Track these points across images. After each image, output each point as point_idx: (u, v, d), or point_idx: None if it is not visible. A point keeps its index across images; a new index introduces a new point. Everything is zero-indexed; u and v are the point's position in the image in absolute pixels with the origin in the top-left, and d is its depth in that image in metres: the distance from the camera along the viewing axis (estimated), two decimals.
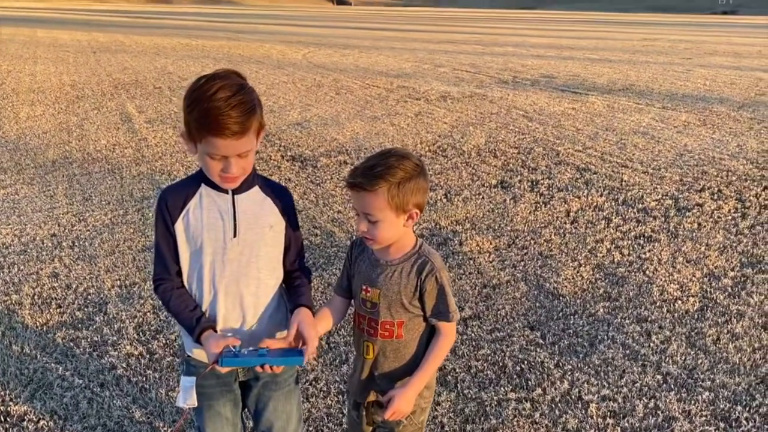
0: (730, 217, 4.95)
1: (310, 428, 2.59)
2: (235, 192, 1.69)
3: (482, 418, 2.66)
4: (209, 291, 1.72)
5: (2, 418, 2.62)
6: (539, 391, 2.83)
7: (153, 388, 2.81)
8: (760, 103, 10.03)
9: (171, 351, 3.11)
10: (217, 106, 1.51)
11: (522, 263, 4.14)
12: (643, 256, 4.25)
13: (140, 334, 3.26)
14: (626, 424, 2.63)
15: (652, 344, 3.21)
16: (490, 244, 4.44)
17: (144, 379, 2.89)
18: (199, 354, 1.75)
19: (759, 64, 15.96)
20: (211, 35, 24.65)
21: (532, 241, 4.48)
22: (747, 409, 2.73)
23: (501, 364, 3.04)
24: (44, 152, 6.79)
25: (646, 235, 4.60)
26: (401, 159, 1.65)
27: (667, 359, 3.08)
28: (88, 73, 13.09)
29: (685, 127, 8.18)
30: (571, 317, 3.47)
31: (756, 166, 6.32)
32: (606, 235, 4.59)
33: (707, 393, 2.82)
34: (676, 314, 3.51)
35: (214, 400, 1.82)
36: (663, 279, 3.92)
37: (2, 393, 2.78)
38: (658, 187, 5.64)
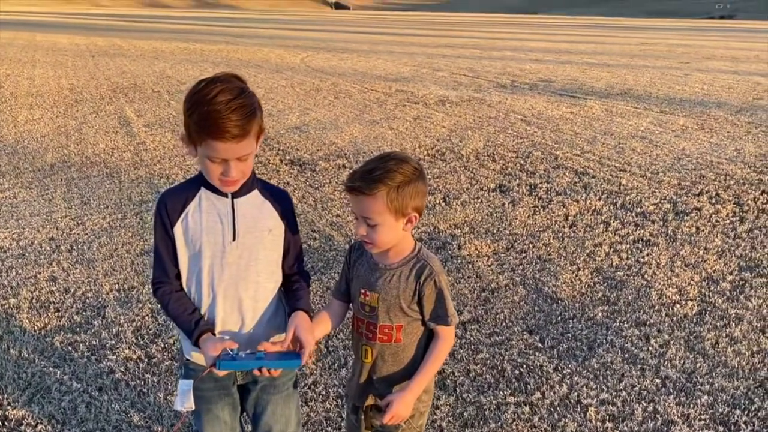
0: (728, 221, 4.95)
1: None
2: (235, 195, 1.69)
3: (481, 422, 2.66)
4: (208, 294, 1.72)
5: (0, 423, 2.61)
6: (538, 395, 2.83)
7: (151, 392, 2.81)
8: (757, 107, 10.06)
9: (169, 355, 3.10)
10: (217, 109, 1.51)
11: (521, 267, 4.14)
12: (642, 260, 4.26)
13: (139, 338, 3.25)
14: (625, 428, 2.62)
15: (650, 348, 3.21)
16: (489, 247, 4.44)
17: (142, 383, 2.88)
18: (197, 357, 1.75)
19: (756, 69, 16.02)
20: (210, 39, 24.69)
21: (531, 245, 4.48)
22: (746, 413, 2.73)
23: (500, 367, 3.04)
24: (42, 156, 6.78)
25: (644, 239, 4.61)
26: (400, 163, 1.65)
27: (666, 363, 3.08)
28: (87, 77, 13.09)
29: (683, 132, 8.20)
30: (570, 321, 3.47)
31: (754, 170, 6.33)
32: (604, 239, 4.59)
33: (706, 397, 2.82)
34: (674, 318, 3.51)
35: (212, 403, 1.81)
36: (661, 283, 3.92)
37: (0, 397, 2.77)
38: (657, 191, 5.65)
